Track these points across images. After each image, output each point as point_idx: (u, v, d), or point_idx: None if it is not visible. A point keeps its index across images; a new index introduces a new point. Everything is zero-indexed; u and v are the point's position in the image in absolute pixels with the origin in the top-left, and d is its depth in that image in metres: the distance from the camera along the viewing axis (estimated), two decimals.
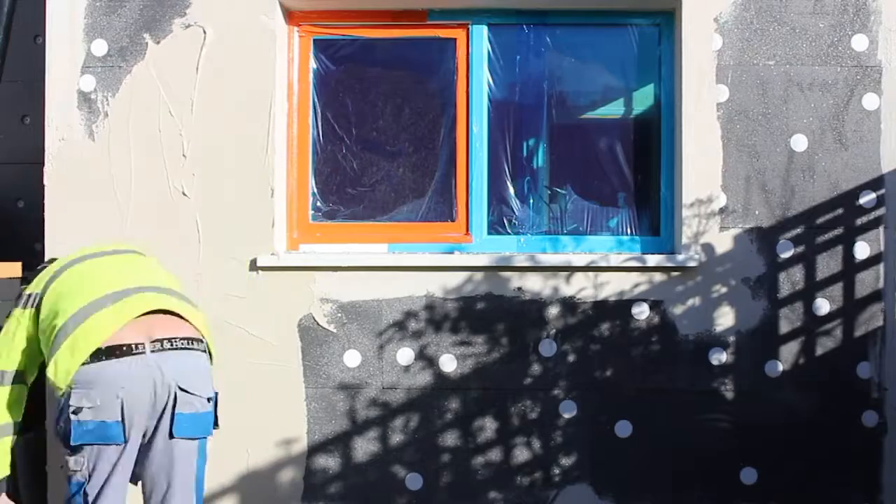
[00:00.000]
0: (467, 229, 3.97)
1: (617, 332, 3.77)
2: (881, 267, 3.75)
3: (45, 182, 3.77)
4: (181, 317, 2.79)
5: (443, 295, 3.79)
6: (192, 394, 2.70)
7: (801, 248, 3.76)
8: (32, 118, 4.32)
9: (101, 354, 2.62)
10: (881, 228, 3.76)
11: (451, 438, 3.80)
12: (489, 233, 3.99)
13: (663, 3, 3.89)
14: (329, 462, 3.80)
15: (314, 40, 4.01)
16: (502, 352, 3.79)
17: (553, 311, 3.78)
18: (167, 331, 2.72)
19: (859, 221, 3.76)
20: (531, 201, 4.03)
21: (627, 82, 4.04)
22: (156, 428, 2.68)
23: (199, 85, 3.78)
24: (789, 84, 3.78)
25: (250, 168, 3.78)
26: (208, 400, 2.76)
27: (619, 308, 3.77)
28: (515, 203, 4.02)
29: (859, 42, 3.77)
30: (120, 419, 2.60)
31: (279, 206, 3.84)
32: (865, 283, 3.75)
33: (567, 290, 3.78)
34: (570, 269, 3.78)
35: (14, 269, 3.70)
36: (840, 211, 3.76)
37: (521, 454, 3.79)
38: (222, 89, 3.78)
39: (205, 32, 3.78)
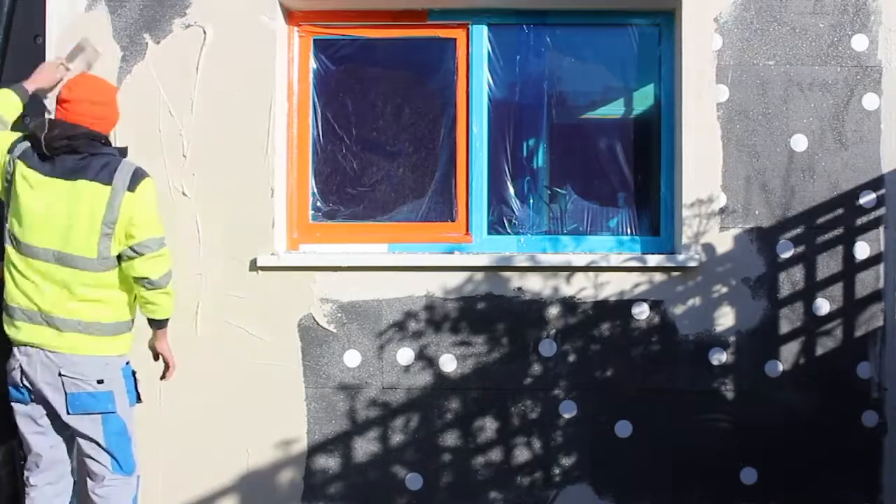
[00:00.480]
0: (467, 229, 3.97)
1: (617, 332, 3.77)
2: (881, 267, 3.75)
3: None
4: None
5: (443, 295, 3.79)
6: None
7: (801, 248, 3.76)
8: (32, 118, 4.31)
9: None
10: (881, 228, 3.76)
11: (451, 438, 3.80)
12: (489, 233, 3.99)
13: (663, 3, 3.89)
14: (329, 462, 3.80)
15: (314, 40, 4.01)
16: (502, 352, 3.79)
17: (553, 311, 3.78)
18: None
19: (859, 221, 3.76)
20: (531, 201, 4.03)
21: (627, 82, 4.04)
22: None
23: (199, 85, 3.78)
24: (789, 84, 3.78)
25: (250, 168, 3.78)
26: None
27: (619, 308, 3.77)
28: (515, 203, 4.02)
29: (859, 42, 3.77)
30: None
31: (279, 206, 3.84)
32: (865, 283, 3.75)
33: (567, 290, 3.78)
34: (571, 269, 3.78)
35: None
36: (840, 211, 3.76)
37: (522, 454, 3.79)
38: (222, 89, 3.78)
39: (205, 32, 3.78)
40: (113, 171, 3.03)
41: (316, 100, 4.01)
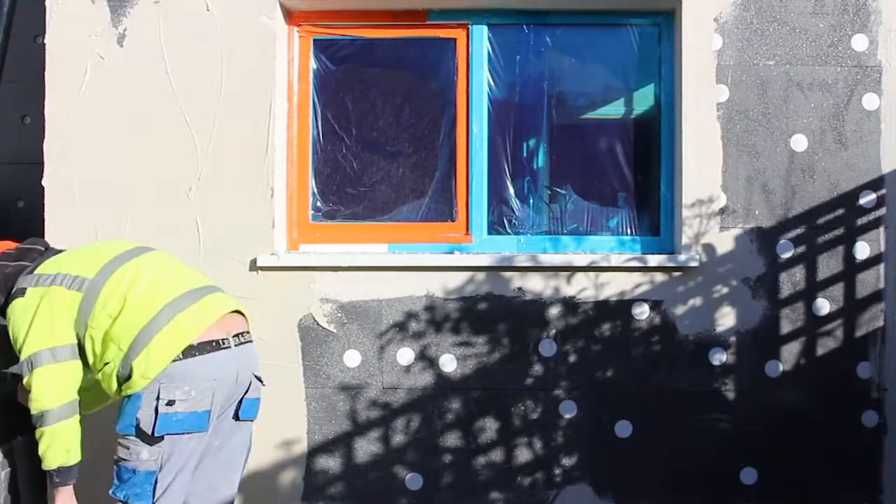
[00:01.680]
0: (467, 229, 3.97)
1: (617, 332, 3.77)
2: (881, 267, 3.76)
3: (45, 182, 3.77)
4: (240, 313, 3.03)
5: (443, 295, 3.79)
6: (259, 380, 3.03)
7: (801, 249, 3.76)
8: (32, 118, 4.32)
9: (192, 350, 2.77)
10: (881, 229, 3.76)
11: (451, 439, 3.80)
12: (489, 233, 3.99)
13: (663, 3, 3.89)
14: (329, 462, 3.80)
15: (314, 40, 4.01)
16: (503, 352, 3.79)
17: (553, 311, 3.78)
18: (237, 326, 2.96)
19: (860, 221, 3.76)
20: (531, 201, 4.03)
21: (627, 82, 4.04)
22: (223, 412, 2.93)
23: (199, 85, 3.77)
24: (789, 84, 3.78)
25: (250, 168, 3.78)
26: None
27: (619, 308, 3.77)
28: (515, 203, 4.02)
29: (859, 42, 3.77)
30: (209, 408, 2.80)
31: (279, 206, 3.84)
32: (866, 283, 3.75)
33: (568, 290, 3.78)
34: (571, 270, 3.78)
35: None
36: (840, 211, 3.76)
37: (522, 454, 3.79)
38: (222, 89, 3.78)
39: (205, 33, 3.78)
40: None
41: (316, 100, 4.01)
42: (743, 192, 3.77)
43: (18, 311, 2.83)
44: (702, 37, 3.78)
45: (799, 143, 3.77)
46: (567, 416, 3.79)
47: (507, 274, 3.78)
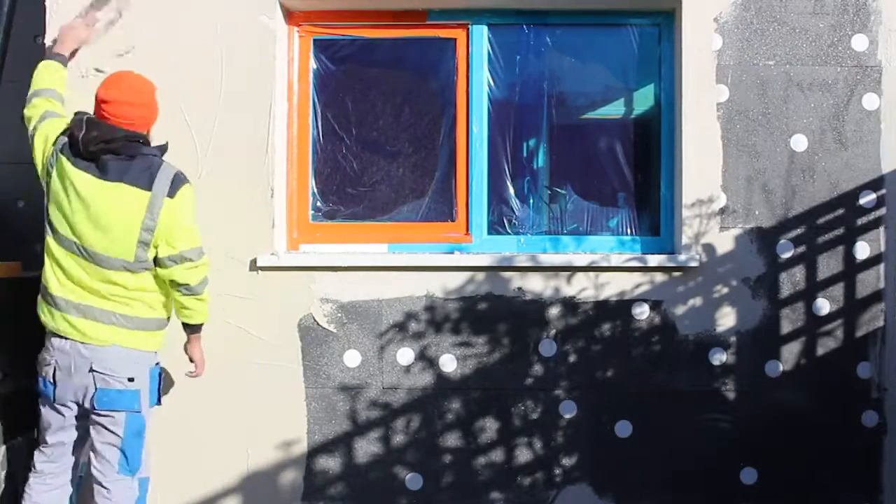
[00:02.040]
0: (467, 229, 3.97)
1: (617, 332, 3.77)
2: (881, 267, 3.75)
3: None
4: None
5: (443, 295, 3.79)
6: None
7: (801, 249, 3.76)
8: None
9: None
10: (881, 229, 3.76)
11: (451, 439, 3.80)
12: (489, 233, 3.99)
13: (663, 3, 3.89)
14: (329, 462, 3.80)
15: (314, 40, 4.01)
16: (503, 352, 3.79)
17: (554, 311, 3.78)
18: None
19: (860, 222, 3.76)
20: (531, 201, 4.03)
21: (627, 82, 4.04)
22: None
23: (200, 85, 3.77)
24: (789, 84, 3.78)
25: (250, 168, 3.77)
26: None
27: (619, 308, 3.77)
28: (515, 203, 4.02)
29: (859, 42, 3.77)
30: None
31: (279, 206, 3.84)
32: (866, 283, 3.75)
33: (568, 290, 3.78)
34: (571, 270, 3.77)
35: (14, 269, 3.70)
36: (840, 211, 3.76)
37: (522, 454, 3.79)
38: (222, 89, 3.77)
39: (205, 33, 3.78)
40: (153, 176, 3.04)
41: (316, 100, 4.01)
42: (743, 192, 3.77)
43: (191, 198, 3.16)
44: (702, 37, 3.78)
45: (799, 143, 3.77)
46: (567, 416, 3.79)
47: (507, 274, 3.78)
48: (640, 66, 4.01)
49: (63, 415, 3.13)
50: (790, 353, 3.76)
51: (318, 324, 3.79)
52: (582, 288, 3.77)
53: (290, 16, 3.95)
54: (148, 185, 3.03)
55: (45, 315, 3.13)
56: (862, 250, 3.76)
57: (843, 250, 3.76)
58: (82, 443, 3.23)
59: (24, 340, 3.71)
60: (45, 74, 3.36)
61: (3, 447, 3.52)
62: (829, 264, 3.76)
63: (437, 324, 3.79)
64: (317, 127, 4.02)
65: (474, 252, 3.92)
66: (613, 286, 3.77)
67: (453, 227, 3.98)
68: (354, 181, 4.03)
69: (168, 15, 3.78)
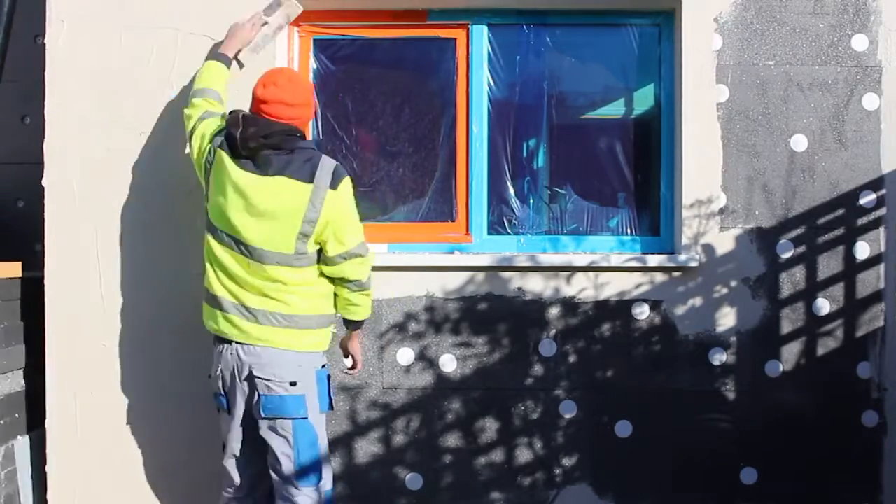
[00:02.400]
0: (467, 229, 3.97)
1: (617, 332, 3.77)
2: (881, 267, 3.76)
3: (45, 182, 3.76)
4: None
5: (443, 295, 3.79)
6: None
7: (801, 249, 3.76)
8: (32, 118, 4.32)
9: None
10: (882, 229, 3.76)
11: (451, 439, 3.80)
12: (489, 233, 3.99)
13: (663, 3, 3.89)
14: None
15: (314, 40, 4.01)
16: (503, 352, 3.79)
17: (554, 311, 3.78)
18: None
19: (860, 222, 3.76)
20: (531, 201, 4.03)
21: (627, 82, 4.04)
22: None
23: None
24: (789, 84, 3.78)
25: None
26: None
27: (619, 308, 3.77)
28: (515, 203, 4.02)
29: (859, 42, 3.77)
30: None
31: None
32: (866, 283, 3.75)
33: (568, 290, 3.78)
34: (571, 270, 3.78)
35: (14, 269, 3.70)
36: (840, 211, 3.76)
37: (522, 454, 3.80)
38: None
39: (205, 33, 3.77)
40: (315, 168, 3.02)
41: (316, 100, 4.01)
42: (743, 192, 3.77)
43: (351, 191, 3.13)
44: (702, 37, 3.78)
45: (799, 143, 3.77)
46: (567, 416, 3.79)
47: (507, 274, 3.78)
48: (640, 66, 4.01)
49: (242, 425, 3.09)
50: (790, 353, 3.76)
51: None
52: (582, 288, 3.77)
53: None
54: (309, 178, 3.00)
55: (210, 320, 3.12)
56: (862, 250, 3.76)
57: (843, 250, 3.76)
58: (263, 457, 3.15)
59: (24, 340, 3.72)
60: (208, 75, 3.38)
61: (4, 446, 3.53)
62: (829, 264, 3.76)
63: (437, 324, 3.79)
64: (317, 127, 4.02)
65: (474, 252, 3.92)
66: (613, 286, 3.77)
67: (453, 227, 3.99)
68: (354, 181, 4.02)
69: (167, 15, 3.78)
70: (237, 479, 3.15)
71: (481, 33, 3.97)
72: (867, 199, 3.76)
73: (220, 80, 3.39)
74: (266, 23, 3.46)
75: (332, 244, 3.04)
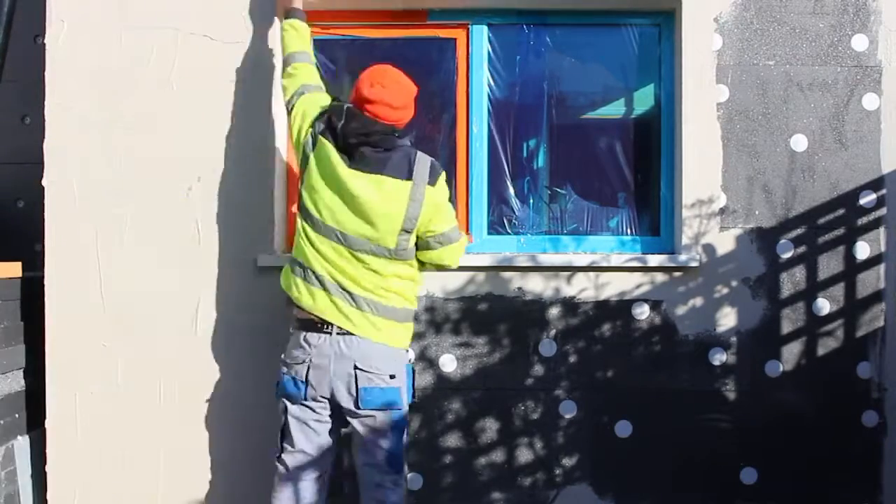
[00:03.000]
0: (467, 229, 3.97)
1: (618, 332, 3.77)
2: (882, 267, 3.76)
3: (45, 182, 3.76)
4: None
5: (442, 295, 3.79)
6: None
7: (801, 249, 3.76)
8: (32, 118, 4.32)
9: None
10: (882, 229, 3.76)
11: (451, 439, 3.80)
12: (489, 233, 3.99)
13: (663, 3, 3.89)
14: None
15: (314, 40, 4.00)
16: (503, 352, 3.79)
17: (554, 311, 3.78)
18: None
19: (860, 222, 3.76)
20: (531, 201, 4.03)
21: (627, 82, 4.04)
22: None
23: (200, 84, 3.77)
24: (789, 84, 3.78)
25: (250, 168, 3.77)
26: None
27: (619, 308, 3.77)
28: (515, 203, 4.01)
29: (859, 42, 3.77)
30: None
31: (279, 206, 3.84)
32: (866, 283, 3.76)
33: (568, 290, 3.78)
34: (572, 270, 3.78)
35: (14, 269, 3.70)
36: (841, 211, 3.76)
37: (522, 454, 3.79)
38: (222, 90, 3.77)
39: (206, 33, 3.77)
40: (412, 165, 3.05)
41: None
42: (743, 192, 3.77)
43: (446, 184, 3.19)
44: (702, 37, 3.78)
45: (799, 143, 3.78)
46: (567, 416, 3.79)
47: (508, 274, 3.78)
48: (640, 66, 4.01)
49: (318, 414, 3.09)
50: (790, 353, 3.76)
51: None
52: (582, 288, 3.78)
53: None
54: (408, 175, 3.04)
55: (305, 296, 3.09)
56: (862, 250, 3.76)
57: (843, 250, 3.76)
58: (334, 450, 3.19)
59: (25, 340, 3.72)
60: (291, 36, 3.36)
61: (4, 446, 3.53)
62: (829, 264, 3.77)
63: (437, 324, 3.79)
64: None
65: (474, 252, 3.92)
66: (614, 286, 3.77)
67: None
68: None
69: (167, 15, 3.78)
70: (295, 474, 3.12)
71: (481, 33, 3.97)
72: (867, 199, 3.76)
73: (304, 39, 3.39)
74: None
75: (429, 232, 3.11)
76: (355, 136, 3.02)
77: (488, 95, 3.99)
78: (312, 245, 3.09)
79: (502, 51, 4.00)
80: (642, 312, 3.77)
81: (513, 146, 4.02)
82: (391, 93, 3.09)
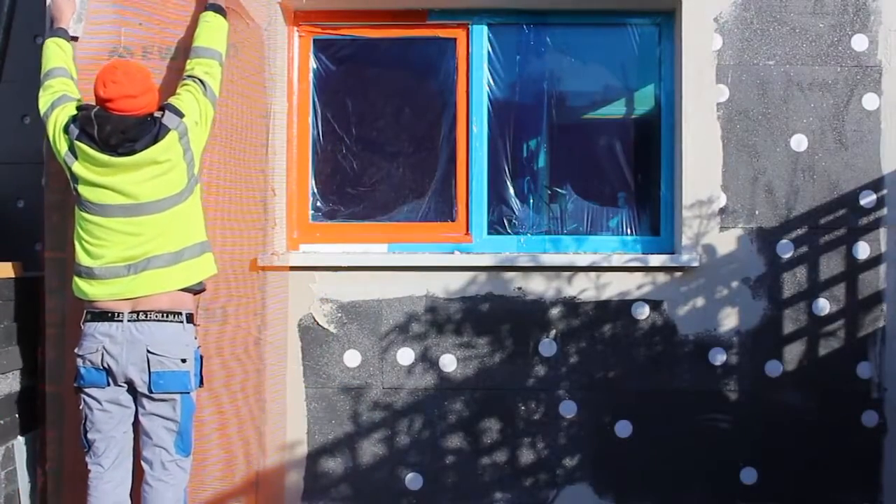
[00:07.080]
0: (467, 229, 3.97)
1: (618, 332, 3.77)
2: (882, 267, 3.76)
3: (45, 182, 3.75)
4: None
5: (443, 295, 3.79)
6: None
7: (802, 249, 3.76)
8: (32, 118, 4.32)
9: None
10: (882, 229, 3.76)
11: (452, 439, 3.80)
12: (489, 233, 3.99)
13: (663, 3, 3.89)
14: (329, 462, 3.80)
15: (314, 40, 4.01)
16: (503, 352, 3.79)
17: (554, 311, 3.77)
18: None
19: (860, 222, 3.76)
20: (531, 201, 4.03)
21: (627, 82, 4.04)
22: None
23: None
24: (789, 84, 3.78)
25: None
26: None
27: (620, 308, 3.77)
28: (515, 203, 4.01)
29: (859, 42, 3.77)
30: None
31: (279, 206, 3.84)
32: (866, 283, 3.75)
33: (568, 290, 3.78)
34: (573, 270, 3.77)
35: (14, 269, 3.69)
36: (841, 211, 3.76)
37: (522, 454, 3.79)
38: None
39: None
40: (165, 123, 3.09)
41: (316, 100, 4.01)
42: (743, 192, 3.77)
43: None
44: (702, 37, 3.78)
45: (799, 143, 3.78)
46: (568, 416, 3.79)
47: (508, 274, 3.78)
48: (640, 66, 4.01)
49: (120, 405, 3.13)
50: (791, 354, 3.76)
51: (318, 324, 3.79)
52: (583, 288, 3.77)
53: (290, 16, 3.94)
54: (168, 129, 3.09)
55: (87, 286, 3.12)
56: (862, 250, 3.76)
57: (843, 250, 3.76)
58: (134, 434, 3.23)
59: (24, 340, 3.72)
60: (57, 52, 3.37)
61: (4, 446, 3.52)
62: (829, 264, 3.76)
63: (438, 324, 3.79)
64: (317, 127, 4.02)
65: (474, 252, 3.92)
66: (614, 286, 3.77)
67: (453, 227, 3.98)
68: (354, 181, 4.03)
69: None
70: (112, 454, 3.17)
71: (481, 33, 3.97)
72: (868, 199, 3.76)
73: (64, 56, 3.38)
74: None
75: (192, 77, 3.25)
76: (115, 136, 3.05)
77: (488, 95, 3.99)
78: (90, 234, 3.13)
79: (502, 51, 4.00)
80: (643, 312, 3.77)
81: (513, 146, 4.02)
82: (124, 85, 3.10)
